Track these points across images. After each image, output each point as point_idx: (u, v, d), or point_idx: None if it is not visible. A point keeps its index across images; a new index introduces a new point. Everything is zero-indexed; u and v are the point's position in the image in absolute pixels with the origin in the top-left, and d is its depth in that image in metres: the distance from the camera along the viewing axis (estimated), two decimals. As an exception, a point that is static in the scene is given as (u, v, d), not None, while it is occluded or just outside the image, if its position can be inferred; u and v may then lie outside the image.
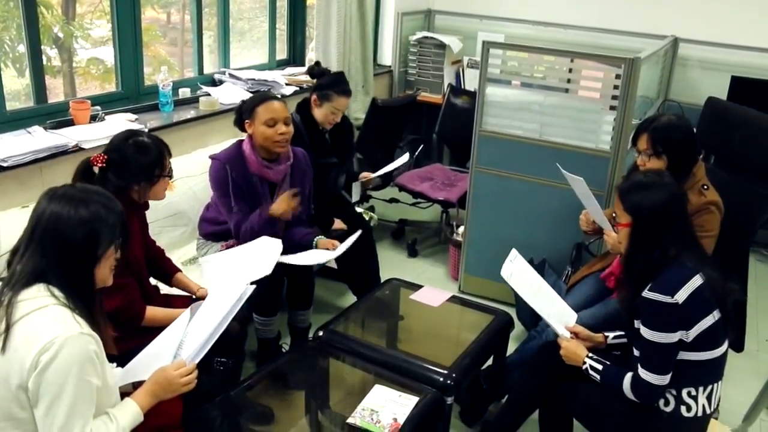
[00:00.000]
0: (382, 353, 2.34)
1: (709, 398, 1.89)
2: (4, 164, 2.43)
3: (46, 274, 1.48)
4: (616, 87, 2.99)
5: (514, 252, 2.34)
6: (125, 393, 1.66)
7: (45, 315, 1.44)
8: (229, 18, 3.85)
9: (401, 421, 1.96)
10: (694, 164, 2.42)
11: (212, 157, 2.69)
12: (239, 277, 2.23)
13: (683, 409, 1.88)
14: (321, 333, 2.43)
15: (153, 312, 2.13)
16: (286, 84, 3.87)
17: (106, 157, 2.03)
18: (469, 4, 5.12)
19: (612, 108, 3.03)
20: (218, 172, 2.63)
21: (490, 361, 2.62)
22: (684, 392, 1.88)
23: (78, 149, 2.66)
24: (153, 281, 2.36)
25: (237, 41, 4.15)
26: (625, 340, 2.11)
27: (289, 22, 4.43)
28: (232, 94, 3.55)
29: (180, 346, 1.78)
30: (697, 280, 1.84)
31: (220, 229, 2.74)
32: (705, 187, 2.40)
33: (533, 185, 3.24)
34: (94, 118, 2.93)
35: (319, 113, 3.10)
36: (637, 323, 1.89)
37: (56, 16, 3.34)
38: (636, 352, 1.90)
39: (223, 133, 3.35)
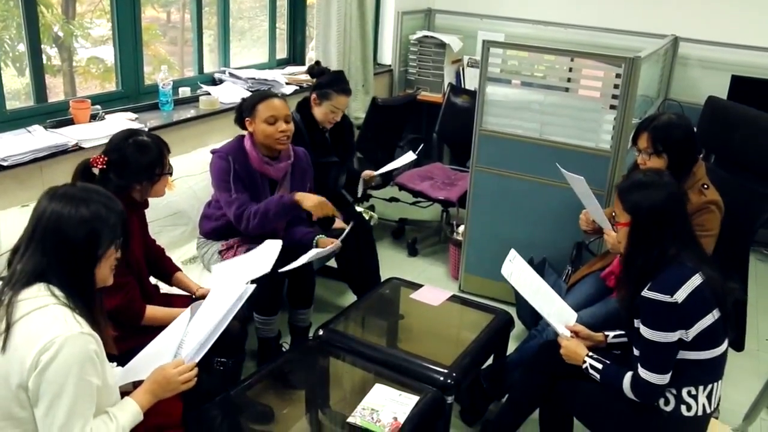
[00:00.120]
0: (383, 352, 2.34)
1: (709, 397, 1.89)
2: (4, 163, 2.43)
3: (47, 273, 1.48)
4: (616, 86, 2.99)
5: (513, 252, 2.34)
6: (125, 392, 1.66)
7: (45, 314, 1.44)
8: (229, 17, 3.85)
9: (401, 420, 1.96)
10: (694, 163, 2.42)
11: (214, 151, 2.69)
12: (239, 276, 2.23)
13: (683, 408, 1.88)
14: (321, 332, 2.43)
15: (153, 311, 2.13)
16: (286, 83, 3.87)
17: (105, 158, 2.03)
18: (470, 4, 5.12)
19: (612, 107, 3.03)
20: (221, 163, 2.62)
21: (490, 361, 2.62)
22: (684, 391, 1.88)
23: (78, 148, 2.66)
24: (153, 280, 2.36)
25: (237, 40, 4.15)
26: (625, 339, 2.10)
27: (289, 21, 4.42)
28: (232, 93, 3.54)
29: (180, 345, 1.78)
30: (696, 280, 1.83)
31: (221, 224, 2.73)
32: (705, 186, 2.40)
33: (533, 184, 3.24)
34: (94, 118, 2.92)
35: (318, 112, 3.10)
36: (636, 322, 1.89)
37: (56, 15, 3.33)
38: (636, 352, 1.89)
39: (223, 132, 3.35)
